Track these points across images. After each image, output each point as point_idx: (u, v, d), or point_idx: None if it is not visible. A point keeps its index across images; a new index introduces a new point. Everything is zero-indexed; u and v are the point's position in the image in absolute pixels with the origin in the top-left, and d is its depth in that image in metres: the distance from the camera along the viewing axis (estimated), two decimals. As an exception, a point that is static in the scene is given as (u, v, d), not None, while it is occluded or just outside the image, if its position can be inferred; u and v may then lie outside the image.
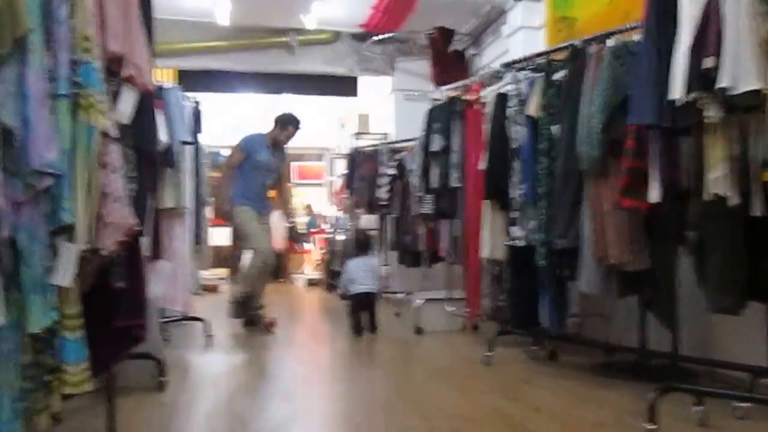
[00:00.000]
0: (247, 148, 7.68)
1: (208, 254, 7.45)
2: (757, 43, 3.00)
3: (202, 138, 6.70)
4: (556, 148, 4.71)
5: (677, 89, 3.26)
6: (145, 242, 3.39)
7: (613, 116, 4.20)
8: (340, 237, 11.84)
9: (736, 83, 3.02)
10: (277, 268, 17.31)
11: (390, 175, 9.16)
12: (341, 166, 13.05)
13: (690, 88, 3.18)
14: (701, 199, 3.26)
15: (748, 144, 3.18)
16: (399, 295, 9.12)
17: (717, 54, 3.06)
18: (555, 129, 4.72)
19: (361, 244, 7.97)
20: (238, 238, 7.75)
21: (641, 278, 4.39)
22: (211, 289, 9.34)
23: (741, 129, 3.19)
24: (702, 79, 3.12)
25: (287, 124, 7.85)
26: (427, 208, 7.02)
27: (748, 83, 3.00)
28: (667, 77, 3.39)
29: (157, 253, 4.57)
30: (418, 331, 6.94)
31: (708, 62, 3.08)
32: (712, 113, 3.15)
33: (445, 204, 6.53)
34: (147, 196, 3.26)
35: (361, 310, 7.34)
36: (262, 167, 7.71)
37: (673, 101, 3.31)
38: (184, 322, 6.99)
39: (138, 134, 3.07)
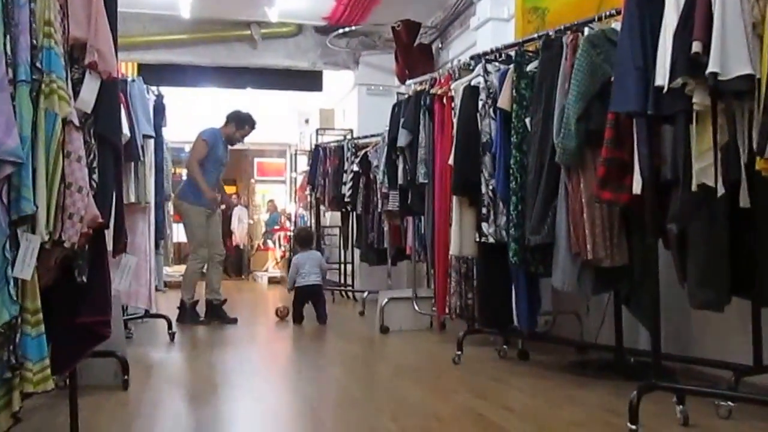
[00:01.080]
0: (211, 141, 7.69)
1: (170, 250, 7.34)
2: (747, 26, 2.91)
3: (166, 132, 6.55)
4: (529, 141, 4.61)
5: (663, 75, 3.17)
6: (108, 236, 3.26)
7: (590, 106, 4.09)
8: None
9: (726, 68, 2.93)
10: (239, 265, 17.78)
11: (354, 172, 9.11)
12: (304, 163, 12.93)
13: (677, 73, 3.09)
14: (685, 190, 3.17)
15: (736, 132, 3.07)
16: (363, 294, 9.07)
17: (706, 38, 2.98)
18: (528, 122, 4.61)
19: (303, 240, 8.42)
20: (186, 235, 7.92)
21: (618, 274, 4.31)
22: (174, 286, 9.21)
23: (729, 116, 3.08)
24: (690, 63, 3.03)
25: (245, 123, 8.01)
26: (393, 204, 6.96)
27: (739, 68, 2.92)
28: (651, 63, 3.30)
29: (120, 247, 4.47)
30: (384, 330, 6.85)
31: (696, 46, 2.99)
32: (700, 99, 3.07)
33: (412, 200, 6.41)
34: (111, 187, 3.13)
35: (306, 302, 7.89)
36: (218, 163, 7.80)
37: (659, 87, 3.22)
38: (147, 319, 6.92)
39: (101, 122, 2.97)
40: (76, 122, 2.72)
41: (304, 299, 7.93)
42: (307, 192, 11.29)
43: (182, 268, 8.95)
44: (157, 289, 6.34)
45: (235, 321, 7.78)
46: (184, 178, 8.14)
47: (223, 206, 9.21)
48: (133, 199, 5.52)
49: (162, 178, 6.48)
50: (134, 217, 5.65)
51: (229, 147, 7.97)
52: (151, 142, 5.92)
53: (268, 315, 8.87)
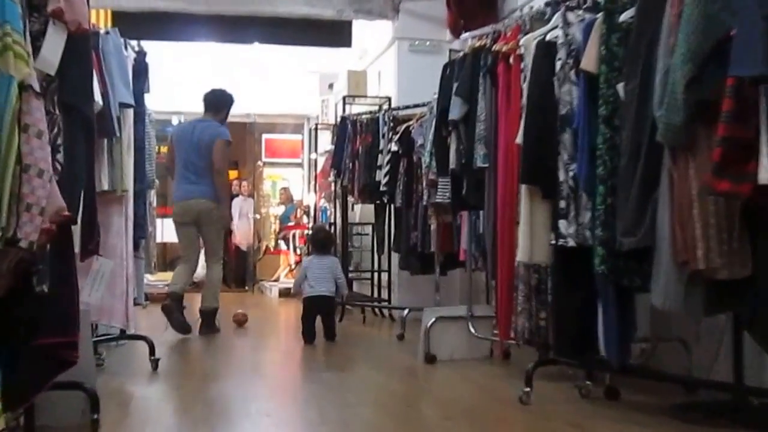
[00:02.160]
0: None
1: (154, 253, 7.47)
2: None
3: (148, 100, 6.65)
4: (622, 115, 4.56)
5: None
6: (76, 233, 3.38)
7: (702, 68, 3.95)
8: (323, 233, 13.21)
9: None
10: (242, 273, 17.89)
11: (392, 152, 9.15)
12: (326, 141, 12.92)
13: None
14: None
15: None
16: (403, 312, 8.98)
17: None
18: (620, 88, 4.58)
19: (320, 243, 8.80)
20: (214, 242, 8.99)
21: (739, 290, 4.16)
22: (156, 299, 9.33)
23: None
24: None
25: (221, 107, 8.94)
26: (443, 196, 7.01)
27: None
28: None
29: (91, 249, 4.47)
30: (430, 359, 6.85)
31: None
32: None
33: (468, 190, 6.41)
34: (80, 170, 3.21)
35: (316, 315, 8.34)
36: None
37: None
38: (124, 341, 6.98)
39: (68, 88, 3.00)
40: (36, 87, 2.72)
41: (314, 312, 8.37)
42: (331, 178, 11.28)
43: (168, 275, 9.37)
44: (136, 303, 6.43)
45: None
46: (196, 174, 8.63)
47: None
48: (106, 186, 5.50)
49: (143, 160, 6.53)
50: (108, 210, 5.65)
51: None
52: (130, 112, 5.98)
53: (278, 337, 9.20)
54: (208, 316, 8.83)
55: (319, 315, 8.39)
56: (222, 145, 8.66)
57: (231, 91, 9.20)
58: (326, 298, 8.39)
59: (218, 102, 8.83)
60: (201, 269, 9.64)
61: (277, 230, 17.45)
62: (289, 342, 8.54)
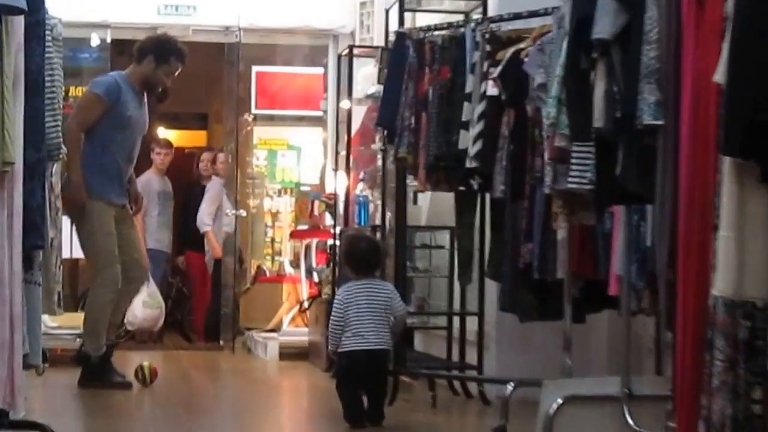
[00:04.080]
0: (110, 95, 9.44)
1: (58, 278, 7.21)
2: None
3: (51, 4, 6.43)
4: None
5: None
6: None
7: None
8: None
9: None
10: (213, 317, 15.80)
11: (488, 99, 8.48)
12: (369, 77, 12.12)
13: None
14: None
15: None
16: (506, 388, 8.34)
17: None
18: None
19: (363, 258, 8.52)
20: (84, 247, 9.49)
21: None
22: (60, 356, 9.86)
23: None
24: None
25: (169, 54, 9.65)
26: (579, 177, 6.56)
27: None
28: None
29: None
30: (556, 466, 5.83)
31: None
32: None
33: (624, 168, 5.96)
34: None
35: (363, 382, 8.06)
36: (125, 129, 9.58)
37: None
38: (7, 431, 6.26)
39: None
40: None
41: (360, 378, 7.99)
42: (377, 145, 10.92)
43: (79, 318, 9.83)
44: (28, 366, 6.31)
45: (128, 385, 9.26)
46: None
47: (137, 205, 10.70)
48: None
49: (40, 108, 6.39)
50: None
51: (145, 100, 9.40)
52: (19, 22, 5.94)
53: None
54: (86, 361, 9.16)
55: (371, 379, 7.93)
56: (83, 95, 9.60)
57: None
58: (378, 354, 7.99)
59: (138, 48, 9.75)
60: (140, 307, 9.82)
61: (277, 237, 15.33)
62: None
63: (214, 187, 14.78)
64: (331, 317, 8.20)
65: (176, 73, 9.52)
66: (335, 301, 8.27)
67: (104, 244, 9.07)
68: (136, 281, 9.35)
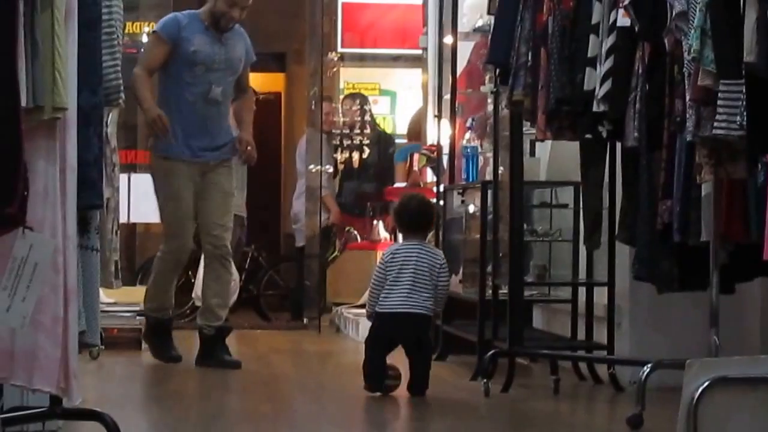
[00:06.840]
0: (171, 34, 9.63)
1: (114, 242, 6.76)
2: None
3: None
4: None
5: None
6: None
7: None
8: (462, 209, 10.79)
9: None
10: (297, 292, 15.54)
11: (618, 31, 8.32)
12: (478, 7, 11.42)
13: None
14: None
15: None
16: (641, 371, 8.06)
17: None
18: None
19: (410, 218, 8.60)
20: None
21: None
22: (117, 337, 9.68)
23: None
24: None
25: None
26: (728, 122, 6.33)
27: None
28: None
29: (9, 215, 4.74)
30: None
31: None
32: None
33: None
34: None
35: (393, 346, 8.15)
36: (198, 64, 9.58)
37: None
38: (57, 421, 6.33)
39: None
40: None
41: (390, 341, 8.16)
42: (487, 86, 10.31)
43: (140, 293, 9.77)
44: (85, 346, 6.00)
45: (238, 365, 9.27)
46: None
47: (245, 156, 10.24)
48: (24, 101, 5.21)
49: (97, 47, 6.05)
50: (28, 148, 5.26)
51: (228, 37, 9.68)
52: None
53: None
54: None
55: (402, 346, 8.19)
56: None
57: None
58: (416, 318, 8.08)
59: None
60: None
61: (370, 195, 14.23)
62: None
63: (301, 145, 14.44)
64: (372, 279, 8.46)
65: (245, 5, 9.60)
66: (379, 263, 8.48)
67: (169, 210, 9.30)
68: (212, 259, 9.67)
